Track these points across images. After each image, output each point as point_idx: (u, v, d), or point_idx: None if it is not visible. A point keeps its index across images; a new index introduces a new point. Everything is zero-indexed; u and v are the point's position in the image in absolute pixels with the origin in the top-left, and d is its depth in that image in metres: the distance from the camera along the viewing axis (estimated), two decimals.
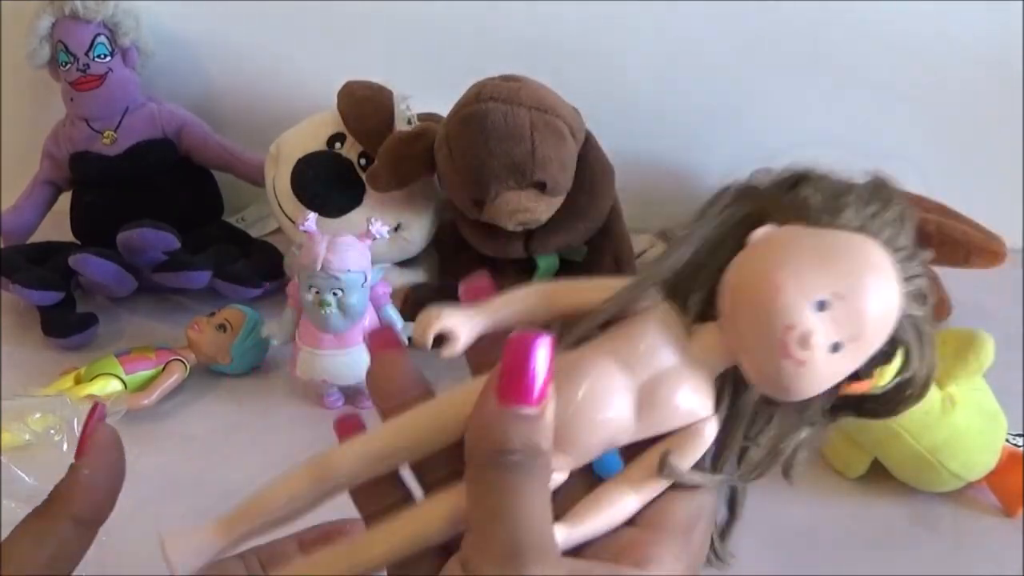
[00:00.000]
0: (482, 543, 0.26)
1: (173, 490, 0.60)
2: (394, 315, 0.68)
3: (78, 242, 0.85)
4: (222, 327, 0.71)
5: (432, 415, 0.29)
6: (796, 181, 0.29)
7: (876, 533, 0.57)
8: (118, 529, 0.53)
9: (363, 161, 0.76)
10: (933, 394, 0.57)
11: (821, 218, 0.28)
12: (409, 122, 0.75)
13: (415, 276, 0.79)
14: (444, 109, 0.73)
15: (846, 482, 0.61)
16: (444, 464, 0.29)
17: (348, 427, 0.31)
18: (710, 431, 0.29)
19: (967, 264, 0.59)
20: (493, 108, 0.68)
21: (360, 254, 0.63)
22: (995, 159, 0.89)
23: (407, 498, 0.31)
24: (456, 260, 0.78)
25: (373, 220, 0.64)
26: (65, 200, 0.87)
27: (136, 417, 0.65)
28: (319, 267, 0.62)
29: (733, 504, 0.31)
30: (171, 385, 0.68)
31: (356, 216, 0.75)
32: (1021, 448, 0.59)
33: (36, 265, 0.79)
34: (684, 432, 0.29)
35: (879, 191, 0.29)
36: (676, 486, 0.29)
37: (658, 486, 0.29)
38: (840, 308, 0.26)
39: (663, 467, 0.28)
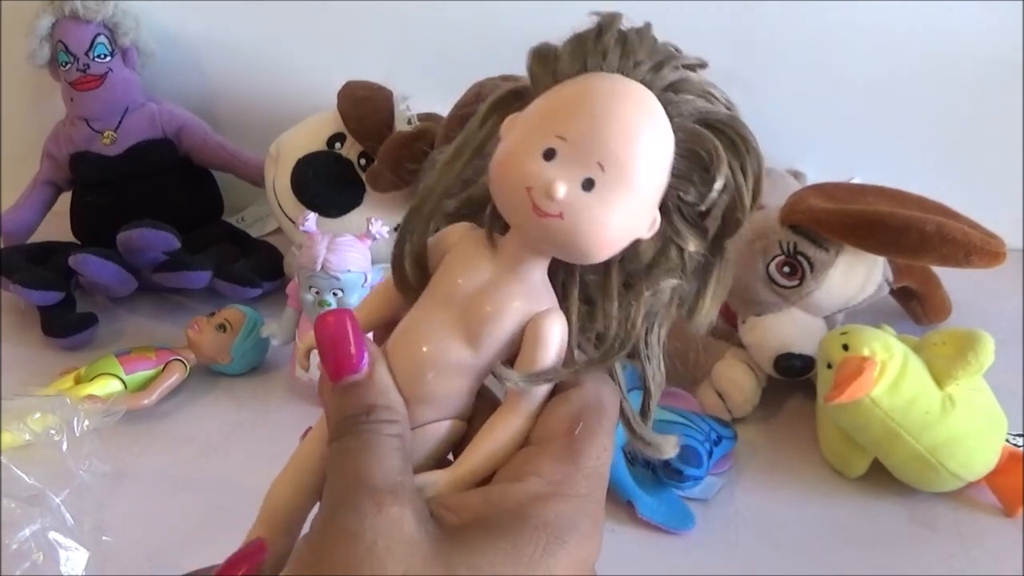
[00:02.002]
0: (319, 512, 0.27)
1: (173, 490, 0.60)
2: None
3: (78, 242, 0.85)
4: (222, 327, 0.71)
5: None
6: (528, 64, 0.29)
7: (876, 533, 0.57)
8: (118, 529, 0.53)
9: (363, 161, 0.76)
10: (933, 394, 0.57)
11: (544, 82, 0.28)
12: (409, 122, 0.75)
13: None
14: (444, 109, 0.73)
15: (846, 482, 0.61)
16: None
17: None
18: (549, 323, 0.28)
19: (967, 264, 0.59)
20: None
21: (360, 254, 0.63)
22: (995, 159, 0.89)
23: None
24: None
25: (373, 220, 0.64)
26: (65, 200, 0.87)
27: (136, 417, 0.65)
28: (319, 267, 0.62)
29: (645, 383, 0.30)
30: (171, 385, 0.68)
31: (356, 216, 0.75)
32: (1021, 448, 0.59)
33: (36, 265, 0.79)
34: (525, 335, 0.28)
35: (595, 30, 0.28)
36: (558, 391, 0.29)
37: (529, 399, 0.29)
38: (569, 147, 0.26)
39: (495, 376, 0.29)
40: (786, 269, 0.65)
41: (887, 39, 0.85)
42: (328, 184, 0.76)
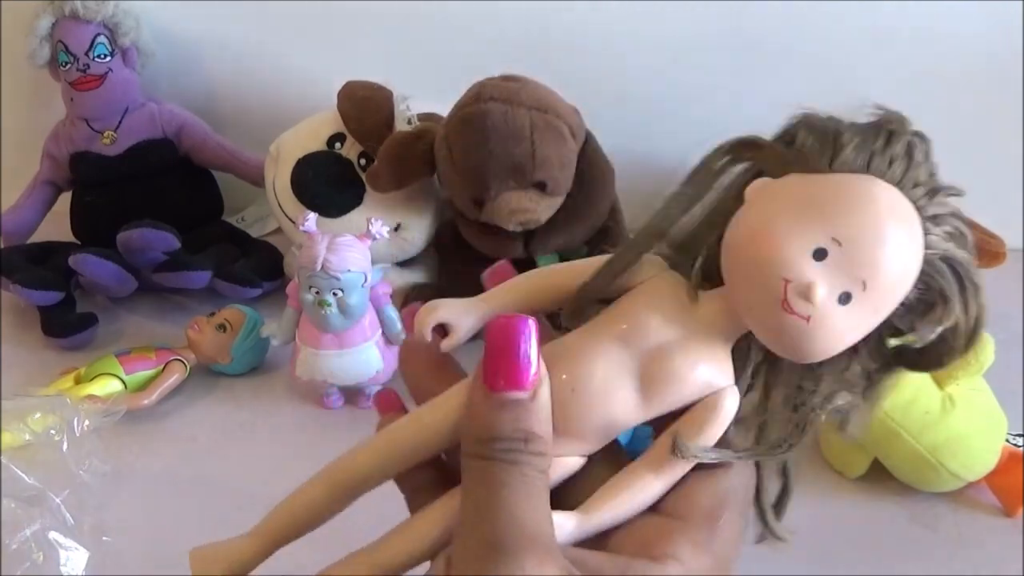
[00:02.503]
0: (465, 537, 0.25)
1: (173, 490, 0.60)
2: (394, 315, 0.68)
3: (78, 242, 0.85)
4: (222, 327, 0.71)
5: (442, 410, 0.28)
6: (796, 129, 0.27)
7: (876, 533, 0.57)
8: (118, 529, 0.53)
9: (363, 161, 0.76)
10: (933, 394, 0.57)
11: (818, 163, 0.26)
12: (409, 122, 0.75)
13: (415, 276, 0.79)
14: (444, 109, 0.73)
15: (846, 482, 0.61)
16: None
17: (387, 402, 0.31)
18: (730, 403, 0.27)
19: None
20: (493, 108, 0.68)
21: (360, 254, 0.63)
22: (995, 159, 0.88)
23: (443, 473, 0.30)
24: (456, 260, 0.78)
25: (373, 220, 0.64)
26: (65, 200, 0.87)
27: (136, 417, 0.65)
28: (319, 267, 0.62)
29: (786, 475, 0.29)
30: (171, 385, 0.68)
31: (356, 216, 0.75)
32: (1021, 448, 0.59)
33: (36, 265, 0.79)
34: (700, 406, 0.27)
35: (883, 126, 0.26)
36: (702, 466, 0.27)
37: (679, 467, 0.27)
38: (841, 255, 0.24)
39: (673, 446, 0.27)
40: None
41: (887, 39, 0.85)
42: (328, 184, 0.76)
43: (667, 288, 0.28)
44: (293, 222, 0.74)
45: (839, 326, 0.25)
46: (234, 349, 0.70)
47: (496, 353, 0.25)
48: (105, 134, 0.83)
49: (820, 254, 0.25)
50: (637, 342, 0.27)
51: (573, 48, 0.86)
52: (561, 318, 0.29)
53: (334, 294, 0.63)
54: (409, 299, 0.74)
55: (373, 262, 0.64)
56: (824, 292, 0.24)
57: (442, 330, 0.29)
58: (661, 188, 0.30)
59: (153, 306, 0.81)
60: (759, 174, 0.27)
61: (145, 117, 0.84)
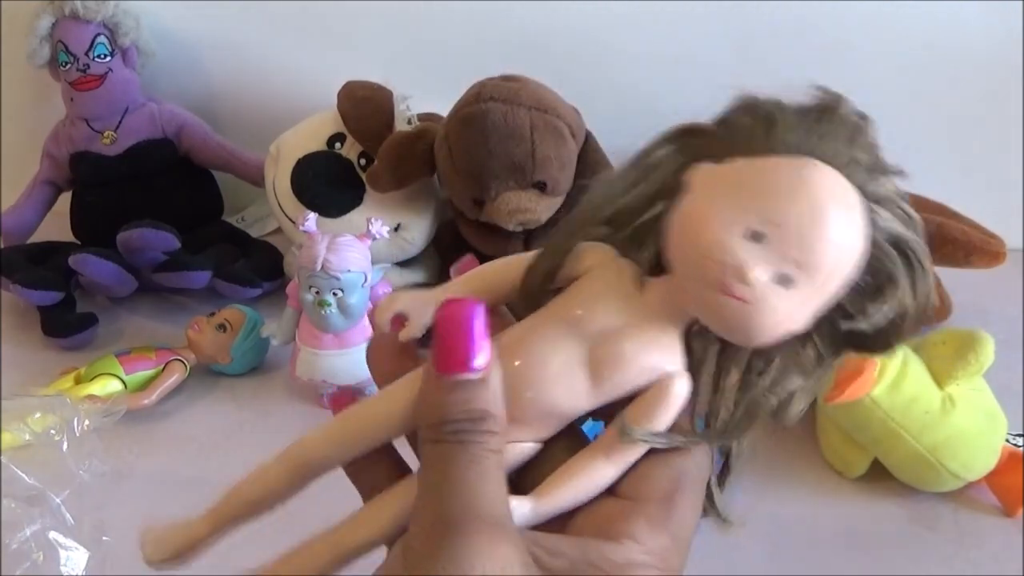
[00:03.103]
0: (418, 518, 0.25)
1: (173, 490, 0.60)
2: None
3: (78, 242, 0.85)
4: (222, 327, 0.71)
5: (396, 395, 0.28)
6: (734, 113, 0.27)
7: (876, 533, 0.57)
8: (118, 529, 0.53)
9: (363, 161, 0.76)
10: (933, 394, 0.57)
11: (756, 145, 0.26)
12: (409, 122, 0.75)
13: (415, 276, 0.79)
14: (444, 109, 0.73)
15: (846, 482, 0.61)
16: None
17: (342, 403, 0.32)
18: (680, 388, 0.27)
19: (967, 264, 0.59)
20: (493, 108, 0.68)
21: (360, 254, 0.63)
22: (995, 159, 0.89)
23: (401, 470, 0.30)
24: (456, 260, 0.78)
25: (373, 220, 0.64)
26: (65, 200, 0.87)
27: (136, 417, 0.65)
28: (319, 267, 0.62)
29: (728, 456, 0.29)
30: (171, 385, 0.68)
31: (356, 216, 0.75)
32: (1021, 448, 0.59)
33: (36, 265, 0.79)
34: (649, 391, 0.27)
35: (822, 107, 0.26)
36: (656, 450, 0.28)
37: (631, 452, 0.28)
38: (778, 237, 0.25)
39: (621, 430, 0.27)
40: None
41: (887, 39, 0.85)
42: (328, 184, 0.76)
43: (615, 276, 0.28)
44: (293, 222, 0.74)
45: (780, 308, 0.25)
46: (234, 349, 0.70)
47: (444, 336, 0.25)
48: (105, 134, 0.83)
49: (757, 236, 0.25)
50: (587, 328, 0.27)
51: (573, 48, 0.86)
52: (516, 306, 0.29)
53: (334, 294, 0.63)
54: None
55: (373, 262, 0.64)
56: (760, 273, 0.25)
57: (401, 321, 0.30)
58: None
59: (153, 306, 0.81)
60: (700, 159, 0.27)
61: (145, 117, 0.84)
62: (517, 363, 0.27)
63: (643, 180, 0.28)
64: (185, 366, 0.70)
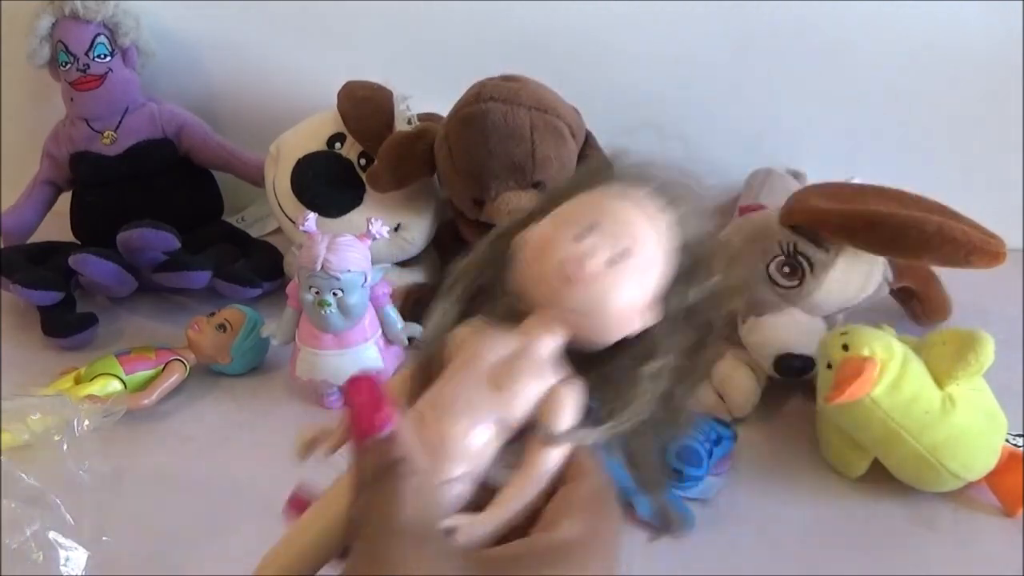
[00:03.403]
0: (359, 541, 0.30)
1: (173, 490, 0.60)
2: (394, 315, 0.68)
3: (78, 242, 0.85)
4: (222, 327, 0.71)
5: (336, 493, 0.33)
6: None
7: (876, 533, 0.57)
8: (118, 529, 0.53)
9: (363, 161, 0.76)
10: (933, 394, 0.57)
11: (576, 189, 0.35)
12: (409, 122, 0.75)
13: (415, 276, 0.79)
14: (444, 109, 0.73)
15: (846, 482, 0.61)
16: None
17: (300, 507, 0.35)
18: (569, 393, 0.33)
19: (967, 264, 0.59)
20: (493, 108, 0.68)
21: (360, 254, 0.63)
22: (995, 159, 0.89)
23: None
24: (455, 260, 0.78)
25: (373, 220, 0.64)
26: (65, 200, 0.87)
27: (136, 417, 0.65)
28: (319, 267, 0.62)
29: (664, 517, 0.37)
30: (171, 385, 0.68)
31: (356, 216, 0.75)
32: (1021, 448, 0.59)
33: (36, 265, 0.79)
34: (547, 400, 0.33)
35: (611, 160, 0.37)
36: (564, 481, 0.33)
37: (552, 457, 0.33)
38: (597, 232, 0.33)
39: (541, 436, 0.33)
40: (786, 269, 0.65)
41: (887, 39, 0.85)
42: (328, 184, 0.76)
43: (489, 329, 0.34)
44: (293, 222, 0.74)
45: (616, 280, 0.32)
46: (234, 349, 0.70)
47: (356, 411, 0.31)
48: (105, 134, 0.83)
49: (580, 236, 0.33)
50: (481, 368, 0.33)
51: (573, 48, 0.86)
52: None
53: (334, 294, 0.63)
54: (409, 298, 0.74)
55: (373, 262, 0.64)
56: (594, 258, 0.32)
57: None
58: None
59: (153, 306, 0.81)
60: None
61: (145, 117, 0.84)
62: (429, 411, 0.33)
63: (477, 266, 0.37)
64: (185, 366, 0.70)
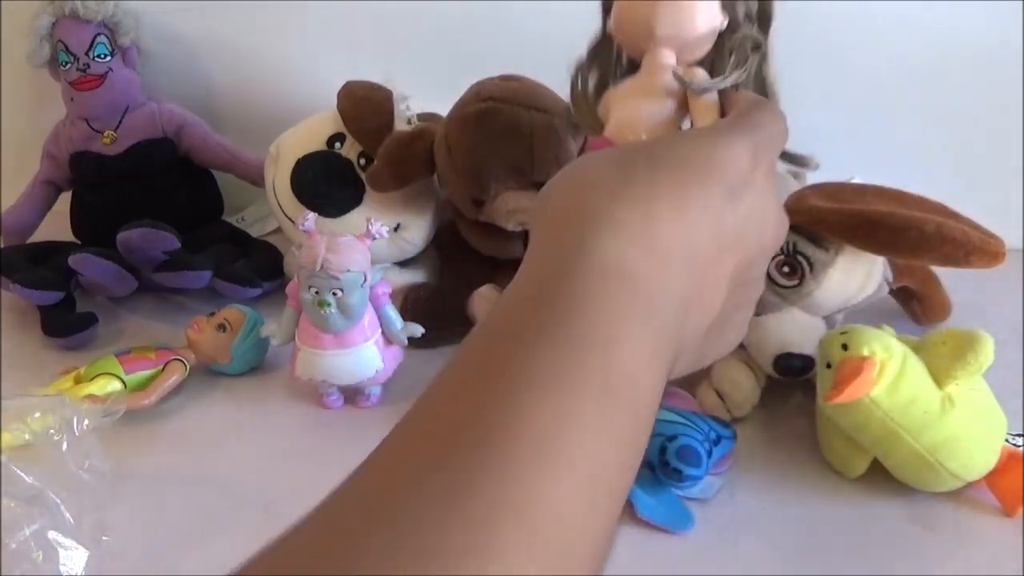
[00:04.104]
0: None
1: (173, 490, 0.60)
2: (394, 315, 0.68)
3: (78, 242, 0.85)
4: (222, 327, 0.71)
5: None
6: None
7: (876, 533, 0.57)
8: (118, 529, 0.53)
9: (363, 161, 0.76)
10: (933, 394, 0.57)
11: None
12: (409, 122, 0.75)
13: (415, 276, 0.79)
14: (444, 109, 0.73)
15: (846, 482, 0.61)
16: None
17: None
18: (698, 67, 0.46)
19: (967, 264, 0.59)
20: (493, 108, 0.68)
21: (360, 254, 0.63)
22: (995, 159, 0.89)
23: None
24: (456, 260, 0.78)
25: (373, 220, 0.64)
26: (65, 200, 0.87)
27: (136, 417, 0.65)
28: (319, 267, 0.62)
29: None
30: (171, 385, 0.68)
31: (356, 216, 0.75)
32: (1021, 448, 0.59)
33: (36, 265, 0.79)
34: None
35: None
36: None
37: (703, 106, 0.45)
38: None
39: (679, 80, 0.44)
40: (785, 269, 0.65)
41: (887, 39, 0.85)
42: (328, 184, 0.76)
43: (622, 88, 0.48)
44: (293, 222, 0.74)
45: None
46: (234, 349, 0.70)
47: None
48: (105, 134, 0.83)
49: None
50: (633, 93, 0.47)
51: (573, 48, 0.86)
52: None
53: (334, 294, 0.63)
54: (409, 299, 0.74)
55: (373, 262, 0.64)
56: None
57: None
58: None
59: (153, 306, 0.81)
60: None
61: (145, 117, 0.84)
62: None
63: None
64: (185, 366, 0.70)
